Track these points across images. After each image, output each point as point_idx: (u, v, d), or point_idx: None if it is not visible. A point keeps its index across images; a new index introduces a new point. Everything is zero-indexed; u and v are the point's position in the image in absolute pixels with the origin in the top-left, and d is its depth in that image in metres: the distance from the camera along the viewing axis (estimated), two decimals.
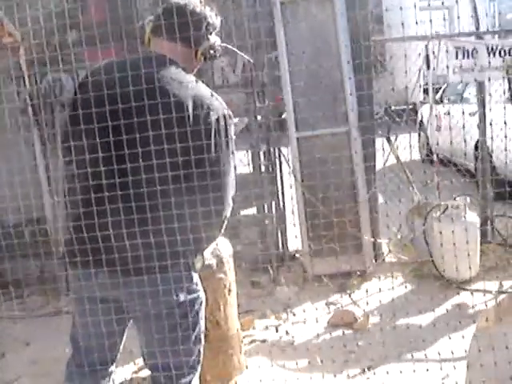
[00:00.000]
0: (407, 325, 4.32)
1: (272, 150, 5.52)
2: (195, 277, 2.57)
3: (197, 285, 2.58)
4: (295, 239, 5.50)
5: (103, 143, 2.38)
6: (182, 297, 2.50)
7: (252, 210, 5.73)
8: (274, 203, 5.58)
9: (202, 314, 2.62)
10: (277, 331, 4.53)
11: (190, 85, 2.46)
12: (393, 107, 6.26)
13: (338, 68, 5.22)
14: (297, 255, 5.69)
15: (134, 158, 2.35)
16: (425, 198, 5.65)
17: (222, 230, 2.59)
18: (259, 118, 5.49)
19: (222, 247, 3.53)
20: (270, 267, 5.35)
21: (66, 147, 2.52)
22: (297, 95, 5.23)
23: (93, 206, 2.39)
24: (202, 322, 2.62)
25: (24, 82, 5.53)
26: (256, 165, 5.55)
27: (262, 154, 5.54)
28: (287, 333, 4.46)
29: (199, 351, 2.63)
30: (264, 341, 4.40)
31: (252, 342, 4.36)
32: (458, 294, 4.87)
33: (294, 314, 4.77)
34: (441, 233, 4.81)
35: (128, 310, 2.57)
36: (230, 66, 5.91)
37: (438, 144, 6.69)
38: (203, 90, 2.50)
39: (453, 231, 4.65)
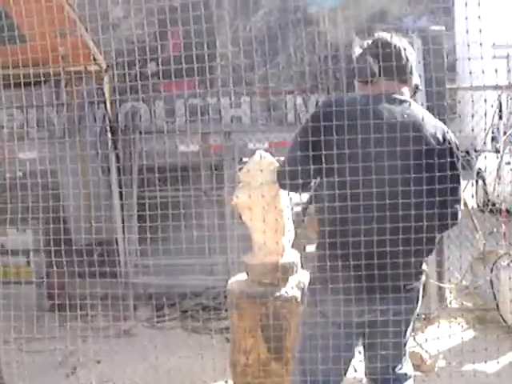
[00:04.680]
0: (473, 371, 4.34)
1: None
2: None
3: None
4: None
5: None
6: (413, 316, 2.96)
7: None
8: None
9: None
10: None
11: (429, 117, 2.81)
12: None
13: None
14: None
15: (392, 183, 2.62)
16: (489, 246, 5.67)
17: None
18: None
19: (305, 280, 3.57)
20: None
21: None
22: None
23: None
24: None
25: (105, 107, 5.77)
26: None
27: None
28: (355, 370, 4.49)
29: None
30: None
31: None
32: None
33: (360, 352, 4.78)
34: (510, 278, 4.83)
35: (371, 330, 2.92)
36: (303, 104, 6.06)
37: (498, 194, 6.69)
38: (440, 123, 2.86)
39: None
